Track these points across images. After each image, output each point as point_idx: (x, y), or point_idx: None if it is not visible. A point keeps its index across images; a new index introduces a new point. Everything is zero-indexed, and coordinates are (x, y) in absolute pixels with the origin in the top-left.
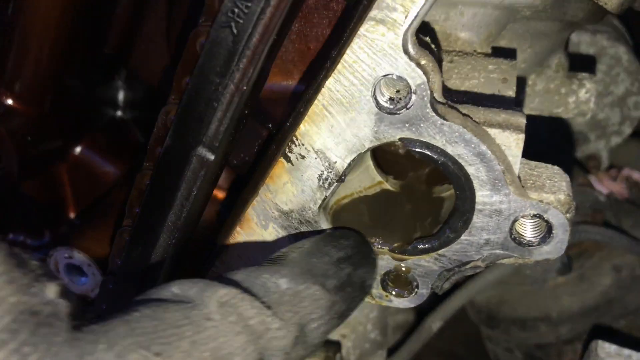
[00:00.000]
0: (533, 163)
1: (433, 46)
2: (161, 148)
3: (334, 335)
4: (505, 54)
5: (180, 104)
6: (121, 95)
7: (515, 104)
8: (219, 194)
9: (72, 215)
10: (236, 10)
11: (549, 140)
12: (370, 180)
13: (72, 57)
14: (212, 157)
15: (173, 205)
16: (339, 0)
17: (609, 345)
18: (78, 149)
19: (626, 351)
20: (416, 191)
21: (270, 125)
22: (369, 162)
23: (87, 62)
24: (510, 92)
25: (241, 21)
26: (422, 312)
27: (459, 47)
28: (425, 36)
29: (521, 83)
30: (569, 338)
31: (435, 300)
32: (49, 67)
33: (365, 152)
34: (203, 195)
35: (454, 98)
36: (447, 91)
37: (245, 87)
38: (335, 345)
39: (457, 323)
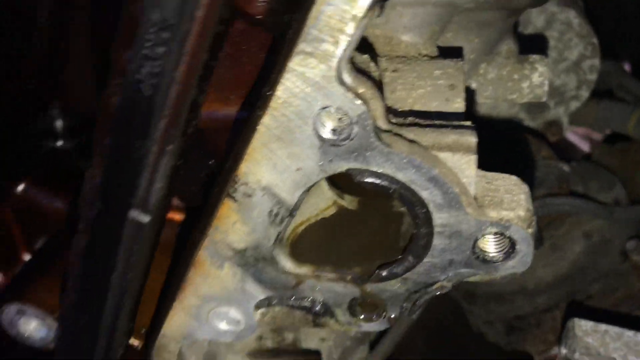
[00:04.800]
0: (490, 175)
1: (372, 65)
2: (93, 212)
3: (313, 343)
4: (452, 53)
5: (104, 169)
6: (58, 124)
7: (464, 115)
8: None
9: (25, 256)
10: (143, 71)
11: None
12: (325, 201)
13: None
14: (146, 219)
15: (116, 270)
16: (260, 40)
17: (585, 322)
18: (20, 187)
19: (602, 326)
20: (374, 207)
21: (212, 162)
22: (322, 183)
23: (10, 98)
24: (459, 100)
25: (153, 81)
26: None
27: (402, 50)
28: (362, 48)
29: (469, 93)
30: (546, 307)
31: None
32: None
33: (313, 184)
34: (146, 256)
35: (400, 119)
36: (391, 112)
37: (171, 145)
38: (315, 354)
39: (441, 299)
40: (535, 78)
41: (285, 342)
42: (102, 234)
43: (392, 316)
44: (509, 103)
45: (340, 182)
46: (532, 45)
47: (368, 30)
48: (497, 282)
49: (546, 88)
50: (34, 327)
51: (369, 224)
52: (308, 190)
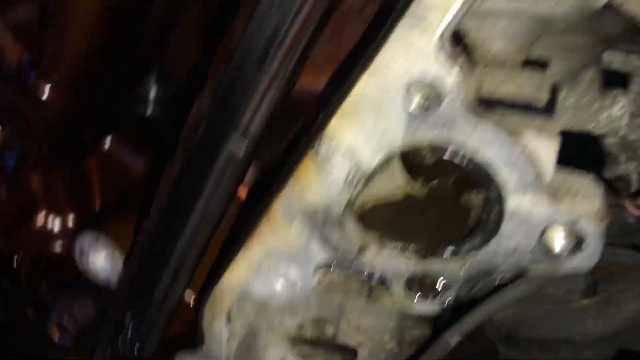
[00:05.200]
0: (566, 171)
1: (465, 55)
2: (193, 135)
3: (351, 342)
4: (538, 65)
5: (215, 91)
6: (152, 93)
7: (548, 114)
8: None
9: (97, 206)
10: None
11: (577, 158)
12: (395, 184)
13: (108, 51)
14: (244, 142)
15: (203, 193)
16: (374, 3)
17: None
18: (107, 143)
19: None
20: (443, 198)
21: (298, 123)
22: (396, 167)
23: (122, 57)
24: (543, 103)
25: (282, 9)
26: (439, 328)
27: (491, 57)
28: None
29: (554, 95)
30: None
31: (453, 316)
32: (85, 60)
33: (394, 154)
34: (235, 181)
35: (487, 103)
36: (479, 96)
37: (282, 74)
38: (352, 352)
39: (474, 338)
40: (615, 111)
41: (325, 336)
42: (199, 156)
43: (447, 299)
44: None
45: (412, 168)
46: (615, 82)
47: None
48: (543, 327)
49: (626, 122)
50: (103, 258)
51: (436, 213)
52: (387, 160)
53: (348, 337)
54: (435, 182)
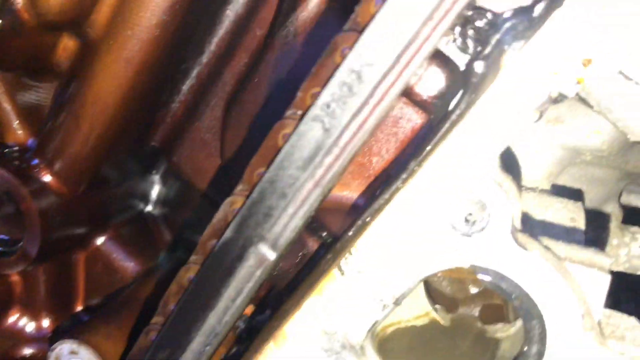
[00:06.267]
0: (607, 311)
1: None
2: (216, 241)
3: None
4: (568, 194)
5: (249, 195)
6: (155, 191)
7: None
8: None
9: (79, 308)
10: (332, 105)
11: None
12: (419, 309)
13: (119, 144)
14: (272, 256)
15: (217, 305)
16: (409, 118)
17: None
18: (101, 239)
19: None
20: (468, 327)
21: (324, 234)
22: (420, 290)
23: (130, 151)
24: (581, 230)
25: (335, 117)
26: None
27: (521, 181)
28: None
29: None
30: None
31: None
32: (93, 151)
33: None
34: (249, 298)
35: (531, 228)
36: (524, 219)
37: (322, 186)
38: None
39: None
40: (635, 248)
41: None
42: (220, 263)
43: None
44: None
45: (436, 295)
46: (636, 219)
47: None
48: None
49: None
50: None
51: (460, 344)
52: (422, 280)
53: None
54: (459, 310)
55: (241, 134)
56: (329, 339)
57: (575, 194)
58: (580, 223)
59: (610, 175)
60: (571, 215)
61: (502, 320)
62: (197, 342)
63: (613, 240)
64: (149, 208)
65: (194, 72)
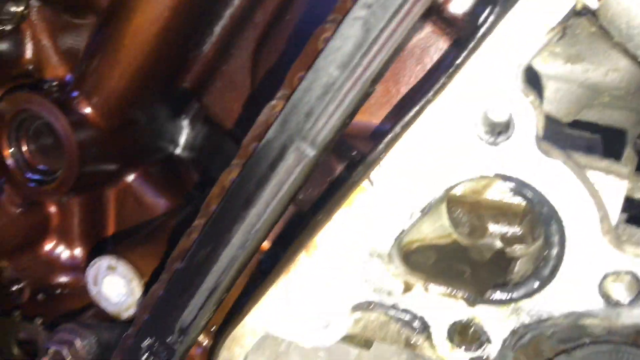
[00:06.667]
0: (623, 225)
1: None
2: (257, 144)
3: None
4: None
5: (290, 97)
6: (184, 135)
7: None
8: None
9: (108, 238)
10: (373, 5)
11: None
12: (442, 230)
13: (153, 82)
14: (312, 153)
15: (258, 202)
16: (437, 45)
17: None
18: (131, 177)
19: None
20: (488, 248)
21: (354, 153)
22: (443, 213)
23: (164, 92)
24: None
25: (375, 16)
26: None
27: None
28: None
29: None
30: None
31: None
32: (130, 85)
33: (450, 191)
34: (288, 197)
35: (554, 140)
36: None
37: (361, 85)
38: None
39: None
40: None
41: None
42: (261, 163)
43: (491, 351)
44: None
45: (458, 216)
46: None
47: None
48: None
49: None
50: (117, 286)
51: (482, 261)
52: (450, 189)
53: None
54: (480, 232)
55: (273, 75)
56: (357, 248)
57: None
58: (599, 150)
59: (626, 119)
60: (589, 145)
61: (522, 243)
62: (238, 238)
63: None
64: (178, 151)
65: (226, 13)
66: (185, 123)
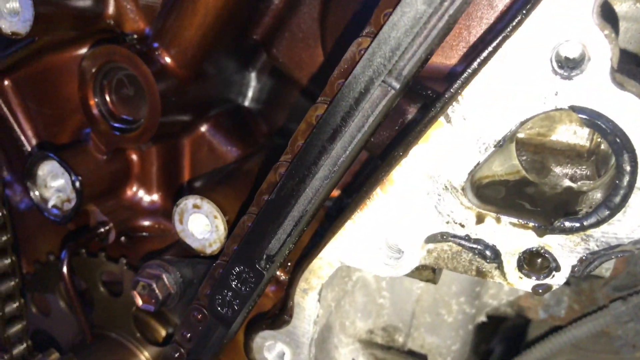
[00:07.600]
0: None
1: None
2: (343, 80)
3: (421, 350)
4: None
5: (377, 33)
6: (251, 88)
7: None
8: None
9: (184, 184)
10: None
11: None
12: (511, 168)
13: (227, 32)
14: (397, 87)
15: (343, 136)
16: None
17: None
18: (204, 127)
19: None
20: (555, 184)
21: (429, 92)
22: (512, 152)
23: (235, 43)
24: None
25: None
26: None
27: None
28: None
29: None
30: None
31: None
32: (206, 36)
33: (524, 124)
34: (371, 131)
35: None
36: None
37: (447, 19)
38: (422, 357)
39: None
40: None
41: (395, 343)
42: (348, 97)
43: (560, 277)
44: None
45: (524, 160)
46: None
47: None
48: None
49: None
50: (202, 224)
51: (548, 191)
52: (523, 123)
53: (418, 346)
54: (549, 173)
55: (342, 24)
56: (432, 182)
57: None
58: None
59: None
60: None
61: (588, 180)
62: (324, 170)
63: None
64: (246, 103)
65: None
66: (252, 75)
